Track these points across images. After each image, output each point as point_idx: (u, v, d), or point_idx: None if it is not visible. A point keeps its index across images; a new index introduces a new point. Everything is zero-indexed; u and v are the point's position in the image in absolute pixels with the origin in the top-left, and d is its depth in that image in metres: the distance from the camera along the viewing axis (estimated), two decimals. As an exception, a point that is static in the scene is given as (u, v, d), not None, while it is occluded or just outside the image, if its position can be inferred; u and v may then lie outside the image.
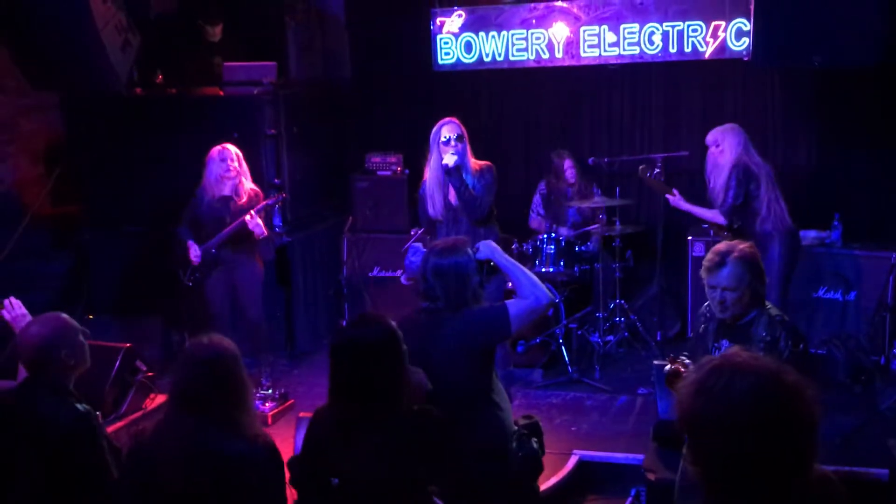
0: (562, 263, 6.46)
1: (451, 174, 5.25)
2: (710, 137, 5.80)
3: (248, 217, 5.74)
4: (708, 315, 4.03)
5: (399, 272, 7.28)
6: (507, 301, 3.72)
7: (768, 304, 3.88)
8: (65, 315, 3.54)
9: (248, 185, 5.97)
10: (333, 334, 3.41)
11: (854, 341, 6.22)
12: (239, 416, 2.95)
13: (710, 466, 2.02)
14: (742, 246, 3.81)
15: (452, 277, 3.62)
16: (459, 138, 5.31)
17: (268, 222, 5.99)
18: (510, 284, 4.18)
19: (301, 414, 5.12)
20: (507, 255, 3.90)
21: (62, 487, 3.22)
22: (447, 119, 5.43)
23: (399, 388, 3.02)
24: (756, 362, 2.03)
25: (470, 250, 3.75)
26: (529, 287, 3.69)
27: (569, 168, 7.01)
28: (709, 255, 3.87)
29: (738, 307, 3.79)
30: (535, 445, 3.66)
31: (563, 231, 6.93)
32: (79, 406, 3.31)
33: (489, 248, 3.88)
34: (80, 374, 3.52)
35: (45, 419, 3.25)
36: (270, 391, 5.85)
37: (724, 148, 5.70)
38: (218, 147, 5.90)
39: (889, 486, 4.51)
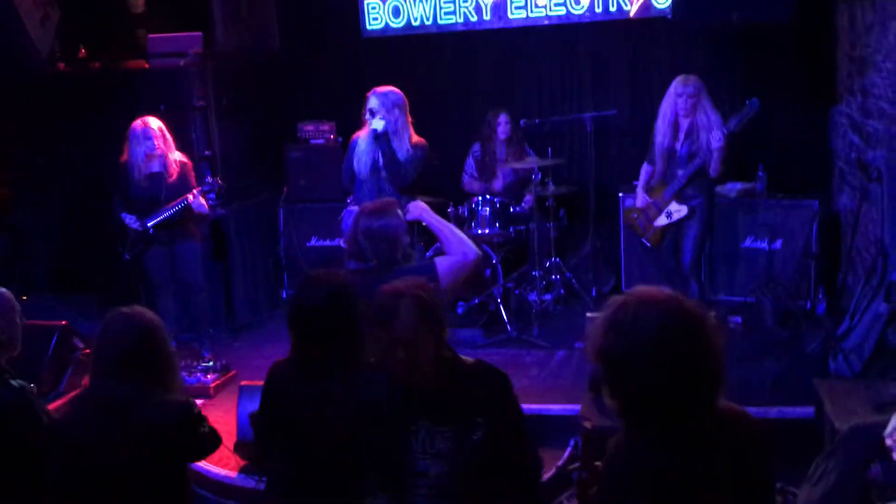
0: (497, 225, 6.55)
1: (380, 140, 5.33)
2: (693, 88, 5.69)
3: (191, 197, 5.71)
4: None
5: (338, 241, 7.29)
6: (435, 258, 3.82)
7: None
8: (7, 291, 3.48)
9: (175, 156, 5.91)
10: (293, 292, 3.46)
11: (780, 288, 6.43)
12: (160, 385, 2.97)
13: (625, 399, 2.11)
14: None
15: (382, 239, 3.69)
16: (388, 108, 5.38)
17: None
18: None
19: (243, 383, 5.17)
20: (435, 215, 4.00)
21: (1, 464, 3.19)
22: (376, 89, 5.51)
23: (357, 339, 3.09)
24: (659, 294, 2.12)
25: (400, 211, 3.82)
26: (457, 244, 3.80)
27: (502, 124, 7.07)
28: None
29: None
30: None
31: (498, 184, 7.01)
32: (13, 382, 3.28)
33: (418, 208, 4.02)
34: (12, 355, 3.47)
35: None
36: (212, 363, 5.86)
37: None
38: (139, 122, 5.80)
39: (815, 423, 4.70)
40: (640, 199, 5.92)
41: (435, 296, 2.83)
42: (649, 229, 5.85)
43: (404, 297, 2.73)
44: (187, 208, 5.76)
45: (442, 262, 3.76)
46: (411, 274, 3.68)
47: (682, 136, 5.69)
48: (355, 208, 5.60)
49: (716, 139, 5.46)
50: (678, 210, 5.70)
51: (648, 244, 5.97)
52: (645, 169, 5.97)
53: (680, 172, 5.67)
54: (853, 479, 3.87)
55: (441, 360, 2.77)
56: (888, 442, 3.16)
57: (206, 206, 5.80)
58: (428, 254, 5.97)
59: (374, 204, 3.92)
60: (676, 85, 5.64)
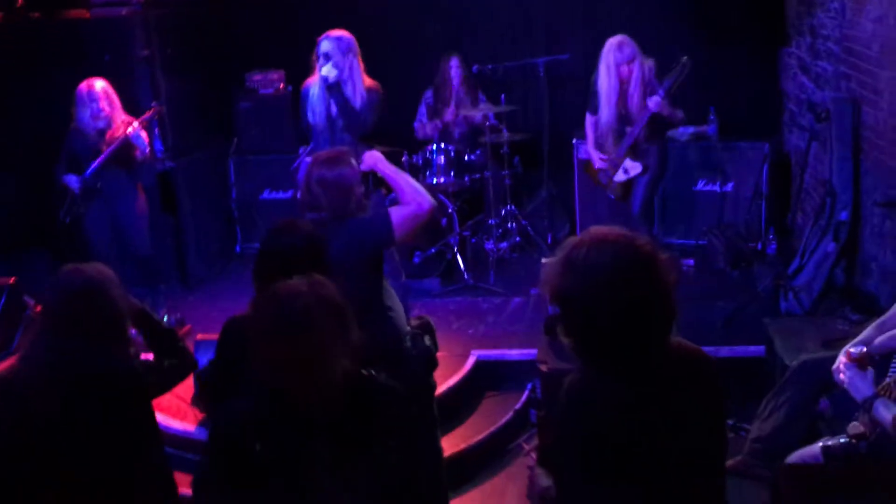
0: (452, 174, 6.52)
1: (332, 90, 5.24)
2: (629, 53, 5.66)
3: (130, 130, 5.58)
4: None
5: (290, 192, 7.22)
6: (390, 208, 3.78)
7: None
8: None
9: (121, 116, 5.78)
10: (259, 244, 3.41)
11: (732, 230, 6.52)
12: (107, 338, 2.94)
13: (581, 337, 2.13)
14: None
15: (336, 188, 3.64)
16: (343, 53, 5.27)
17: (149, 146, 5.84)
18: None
19: (199, 337, 5.13)
20: (390, 165, 3.96)
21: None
22: (328, 33, 5.37)
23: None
24: (614, 234, 2.14)
25: (354, 161, 3.78)
26: (412, 194, 3.77)
27: (454, 68, 7.00)
28: None
29: None
30: (427, 343, 3.77)
31: (449, 116, 6.98)
32: None
33: (373, 157, 3.96)
34: None
35: None
36: (166, 318, 5.79)
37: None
38: (84, 85, 5.67)
39: (767, 361, 4.81)
40: (595, 158, 5.90)
41: (341, 296, 2.44)
42: (611, 184, 5.87)
43: (313, 302, 2.33)
44: (127, 146, 5.63)
45: (396, 212, 3.73)
46: (365, 224, 3.69)
47: (626, 97, 5.68)
48: (310, 159, 5.53)
49: (653, 103, 5.49)
50: (633, 166, 5.72)
51: (613, 197, 5.99)
52: (589, 119, 5.91)
53: (628, 129, 5.67)
54: (803, 413, 3.99)
55: (350, 377, 2.40)
56: (836, 377, 3.25)
57: (147, 141, 5.66)
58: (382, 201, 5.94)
59: (328, 153, 3.86)
60: (614, 54, 5.59)
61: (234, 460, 2.35)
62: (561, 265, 2.15)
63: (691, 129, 6.78)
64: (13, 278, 5.28)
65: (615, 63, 5.59)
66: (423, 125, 7.17)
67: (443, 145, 6.61)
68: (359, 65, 5.39)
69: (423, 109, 7.23)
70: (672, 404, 2.14)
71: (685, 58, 5.54)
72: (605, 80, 5.65)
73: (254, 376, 2.36)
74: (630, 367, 2.12)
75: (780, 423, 4.01)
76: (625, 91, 5.64)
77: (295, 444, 2.30)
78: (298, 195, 5.70)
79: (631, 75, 5.59)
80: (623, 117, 5.70)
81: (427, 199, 3.78)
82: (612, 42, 5.63)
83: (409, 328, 3.79)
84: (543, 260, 5.70)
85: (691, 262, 6.51)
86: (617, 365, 2.12)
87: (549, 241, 7.00)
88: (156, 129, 5.78)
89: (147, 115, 5.77)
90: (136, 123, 5.63)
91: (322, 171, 3.68)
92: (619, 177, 5.80)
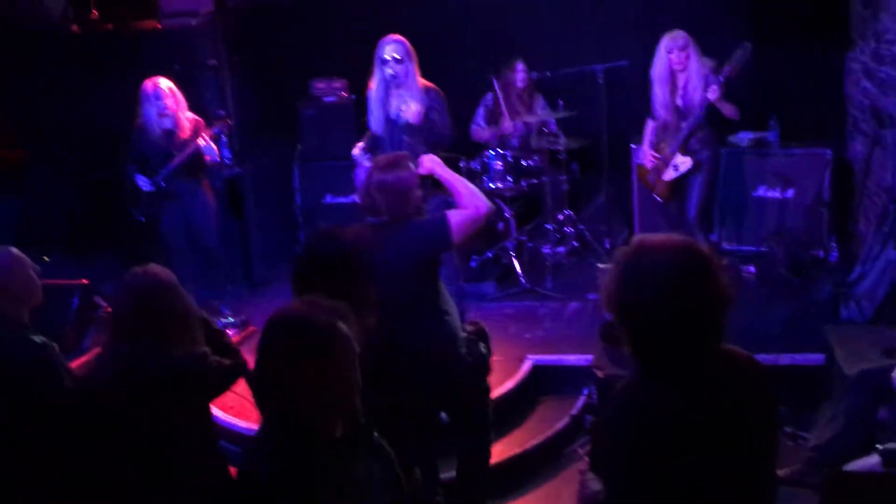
0: (509, 178, 6.56)
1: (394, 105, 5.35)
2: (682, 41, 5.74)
3: (200, 142, 5.77)
4: None
5: (352, 197, 7.35)
6: (447, 211, 3.82)
7: None
8: (13, 248, 3.56)
9: (187, 115, 5.97)
10: (297, 251, 3.48)
11: (793, 237, 6.45)
12: (173, 341, 3.04)
13: (635, 341, 2.17)
14: None
15: (395, 192, 3.70)
16: (400, 59, 5.37)
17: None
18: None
19: (261, 338, 5.26)
20: (448, 169, 4.01)
21: (23, 420, 3.27)
22: (391, 36, 5.47)
23: (364, 298, 3.14)
24: (671, 240, 2.17)
25: (412, 165, 3.84)
26: (469, 198, 3.81)
27: (520, 72, 7.04)
28: None
29: None
30: (482, 349, 3.82)
31: (507, 126, 6.98)
32: (35, 338, 3.36)
33: (431, 161, 4.01)
34: (33, 309, 3.55)
35: (1, 353, 3.29)
36: (231, 319, 5.96)
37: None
38: (150, 83, 5.86)
39: (826, 369, 4.76)
40: (648, 157, 5.93)
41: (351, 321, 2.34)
42: (659, 183, 5.88)
43: (334, 329, 2.24)
44: (198, 155, 5.82)
45: (454, 216, 3.76)
46: (423, 228, 3.75)
47: (679, 90, 5.70)
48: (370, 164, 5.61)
49: (712, 91, 5.49)
50: (683, 162, 5.72)
51: (660, 199, 6.00)
52: (649, 125, 6.00)
53: (683, 125, 5.68)
54: (861, 422, 3.96)
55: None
56: (896, 385, 3.23)
57: (216, 151, 5.85)
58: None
59: (387, 157, 3.92)
60: (666, 42, 5.70)
61: None
62: (620, 272, 2.18)
63: (751, 135, 6.72)
64: (85, 279, 5.47)
65: (666, 50, 5.67)
66: (482, 128, 7.22)
67: (500, 150, 6.65)
68: (415, 70, 5.48)
69: (481, 111, 7.26)
70: (722, 411, 2.15)
71: (747, 43, 5.51)
72: (657, 68, 5.72)
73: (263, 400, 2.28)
74: (681, 372, 2.14)
75: (838, 432, 3.99)
76: (678, 81, 5.66)
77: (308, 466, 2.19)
78: (357, 199, 5.84)
79: (685, 64, 5.60)
80: (678, 110, 5.70)
81: (484, 203, 3.82)
82: (665, 34, 5.74)
83: (464, 333, 3.85)
84: (599, 266, 5.74)
85: (752, 269, 6.45)
86: (668, 370, 2.15)
87: (606, 246, 6.99)
88: (223, 138, 5.95)
89: (216, 129, 5.93)
90: (206, 136, 5.80)
91: (381, 175, 3.74)
92: (669, 174, 5.80)
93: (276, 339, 2.26)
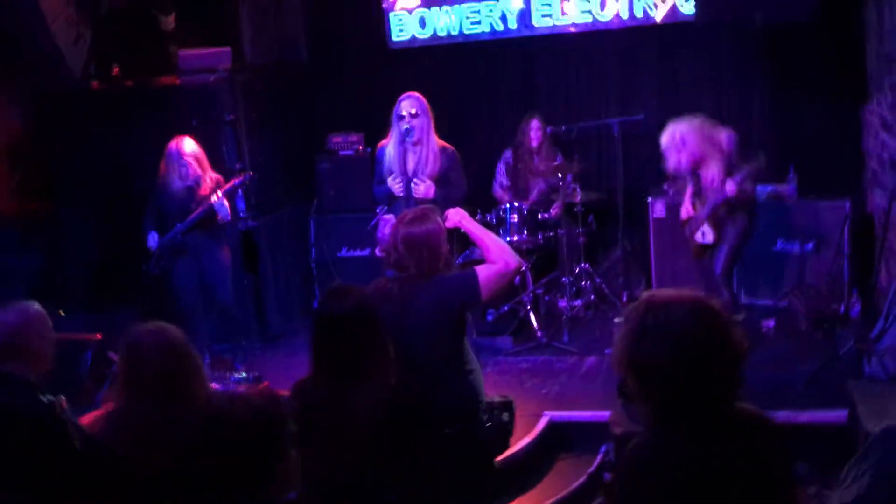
0: (525, 231, 6.55)
1: (410, 160, 5.38)
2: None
3: (214, 198, 5.79)
4: None
5: (367, 251, 7.36)
6: (476, 267, 3.75)
7: None
8: (37, 305, 3.54)
9: (210, 175, 6.02)
10: (313, 309, 3.46)
11: (814, 291, 6.37)
12: (187, 398, 3.01)
13: (654, 401, 2.13)
14: None
15: (423, 246, 3.62)
16: (416, 114, 5.40)
17: (231, 206, 6.04)
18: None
19: (275, 393, 5.22)
20: (475, 222, 3.95)
21: (31, 478, 3.22)
22: (408, 94, 5.51)
23: (378, 356, 3.10)
24: (677, 294, 2.14)
25: (439, 218, 3.77)
26: (498, 252, 3.74)
27: (534, 129, 7.06)
28: None
29: None
30: (505, 418, 3.73)
31: (532, 196, 6.97)
32: (43, 398, 3.32)
33: (458, 214, 3.94)
34: (46, 369, 3.51)
35: (9, 411, 3.26)
36: (245, 374, 5.93)
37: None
38: (174, 142, 5.93)
39: (849, 426, 4.66)
40: (685, 208, 5.90)
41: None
42: (691, 240, 5.86)
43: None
44: (211, 212, 5.84)
45: (483, 271, 3.68)
46: (452, 283, 3.67)
47: (700, 173, 5.71)
48: (390, 216, 5.59)
49: (729, 188, 5.53)
50: (708, 233, 5.72)
51: (692, 250, 5.98)
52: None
53: (710, 199, 5.66)
54: (887, 480, 3.84)
55: None
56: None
57: (228, 208, 5.87)
58: (458, 260, 6.00)
59: (414, 211, 3.82)
60: (676, 143, 5.64)
61: None
62: (626, 328, 2.15)
63: (770, 188, 6.68)
64: (99, 335, 5.47)
65: (680, 161, 5.65)
66: (502, 190, 7.22)
67: (516, 204, 6.65)
68: (431, 126, 5.51)
69: (501, 168, 7.29)
70: (734, 468, 2.12)
71: (762, 156, 5.56)
72: (675, 150, 5.66)
73: None
74: (693, 429, 2.11)
75: (863, 492, 3.87)
76: (698, 168, 5.65)
77: None
78: (377, 252, 5.82)
79: (702, 158, 5.60)
80: (699, 189, 5.71)
81: (514, 258, 3.75)
82: (674, 129, 5.64)
83: (487, 398, 3.76)
84: (616, 320, 5.67)
85: (772, 323, 6.36)
86: (680, 426, 2.12)
87: (624, 299, 6.95)
88: (239, 191, 5.99)
89: (233, 182, 5.96)
90: (220, 192, 5.82)
91: (408, 228, 3.66)
92: (698, 237, 5.77)
93: None
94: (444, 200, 5.27)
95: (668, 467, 2.12)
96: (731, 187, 5.50)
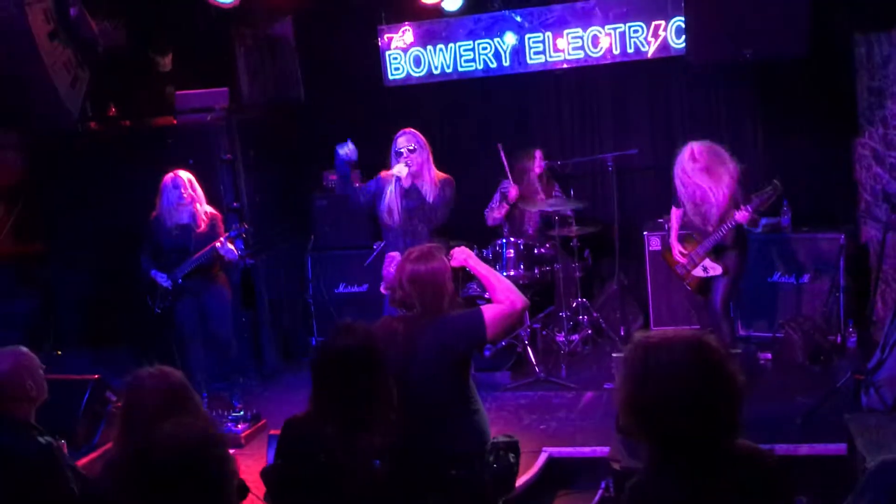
0: (522, 267, 6.57)
1: (409, 194, 5.42)
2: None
3: (218, 244, 5.82)
4: None
5: (365, 286, 7.37)
6: (482, 306, 3.73)
7: None
8: (24, 348, 3.57)
9: (205, 208, 6.05)
10: (314, 346, 3.44)
11: (810, 323, 6.38)
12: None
13: (659, 440, 2.13)
14: None
15: (429, 284, 3.61)
16: (414, 149, 5.46)
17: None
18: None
19: (272, 431, 5.18)
20: (480, 262, 3.94)
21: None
22: (404, 130, 5.59)
23: (382, 398, 3.09)
24: (675, 334, 2.16)
25: (445, 257, 3.77)
26: (504, 292, 3.71)
27: (537, 160, 7.07)
28: None
29: None
30: (511, 459, 3.69)
31: (529, 229, 6.97)
32: (40, 439, 3.32)
33: (464, 253, 3.93)
34: (41, 406, 3.53)
35: (7, 453, 3.26)
36: (242, 413, 5.90)
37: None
38: (170, 174, 5.98)
39: (848, 459, 4.64)
40: (675, 251, 5.86)
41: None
42: (688, 277, 5.84)
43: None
44: (216, 255, 5.87)
45: (489, 311, 3.65)
46: (458, 322, 3.64)
47: (701, 202, 5.61)
48: (396, 255, 5.60)
49: (741, 216, 5.46)
50: (713, 267, 5.68)
51: (690, 289, 5.97)
52: (674, 214, 5.90)
53: (711, 233, 5.62)
54: (886, 515, 3.83)
55: None
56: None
57: (235, 252, 5.91)
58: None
59: (420, 249, 3.80)
60: (688, 161, 5.53)
61: None
62: (637, 377, 2.16)
63: (764, 221, 6.71)
64: (97, 375, 5.46)
65: (688, 172, 5.54)
66: (492, 209, 7.24)
67: (512, 239, 6.68)
68: (430, 160, 5.58)
69: (497, 197, 7.29)
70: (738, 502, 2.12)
71: (777, 182, 5.52)
72: (685, 180, 5.57)
73: None
74: (692, 467, 2.12)
75: (863, 526, 3.86)
76: (707, 196, 5.56)
77: None
78: (382, 289, 5.82)
79: (713, 182, 5.52)
80: (705, 219, 5.64)
81: (520, 298, 3.72)
82: (693, 146, 5.56)
83: (493, 439, 3.73)
84: (614, 355, 5.67)
85: (768, 356, 6.37)
86: (680, 465, 2.12)
87: (621, 333, 6.95)
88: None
89: (233, 232, 5.97)
90: (223, 239, 5.85)
91: (414, 266, 3.64)
92: (699, 272, 5.76)
93: None
94: (426, 221, 5.48)
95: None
96: (743, 215, 5.44)
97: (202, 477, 2.23)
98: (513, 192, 6.92)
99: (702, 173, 5.52)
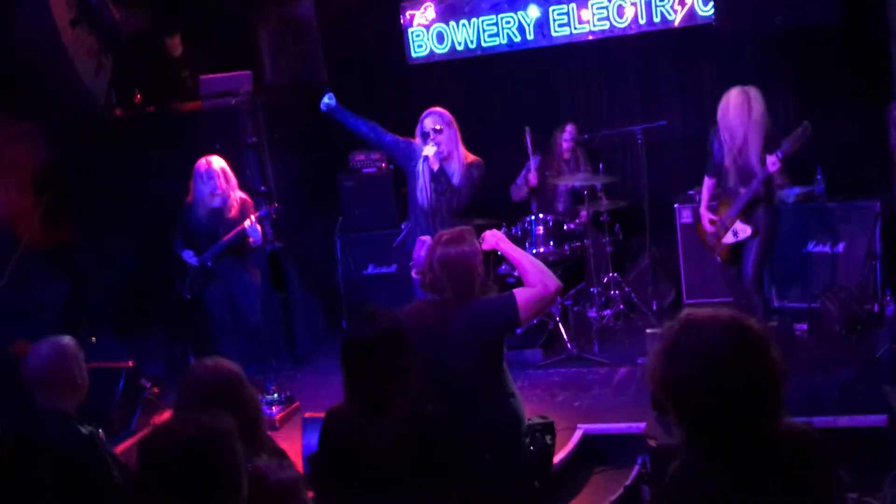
0: (552, 243, 6.51)
1: (438, 177, 5.36)
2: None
3: (247, 223, 5.84)
4: None
5: (394, 267, 7.35)
6: (514, 290, 3.68)
7: None
8: (69, 338, 3.58)
9: (237, 195, 6.07)
10: (342, 332, 3.41)
11: (846, 292, 6.27)
12: (250, 434, 2.97)
13: (690, 423, 2.09)
14: None
15: (460, 268, 3.58)
16: (440, 129, 5.39)
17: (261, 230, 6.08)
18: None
19: (307, 415, 5.21)
20: (512, 245, 3.88)
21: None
22: (430, 110, 5.51)
23: (404, 384, 3.07)
24: (717, 313, 2.10)
25: (476, 240, 3.72)
26: (537, 275, 3.65)
27: (567, 139, 7.01)
28: None
29: None
30: (548, 441, 3.66)
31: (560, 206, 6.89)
32: (82, 429, 3.34)
33: (495, 237, 3.87)
34: (82, 398, 3.54)
35: (49, 444, 3.28)
36: (276, 395, 5.93)
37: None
38: (203, 162, 6.00)
39: (888, 431, 4.58)
40: (705, 220, 5.79)
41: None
42: (718, 246, 5.75)
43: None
44: (243, 236, 5.88)
45: (521, 294, 3.61)
46: (489, 306, 3.61)
47: (739, 152, 5.54)
48: (426, 238, 5.57)
49: (772, 163, 5.34)
50: (743, 229, 5.58)
51: (720, 259, 5.87)
52: (706, 183, 5.80)
53: (742, 191, 5.53)
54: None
55: None
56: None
57: (261, 233, 5.92)
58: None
59: (451, 232, 3.75)
60: (735, 99, 5.45)
61: None
62: (662, 347, 2.12)
63: (797, 190, 6.62)
64: (131, 361, 5.50)
65: (733, 108, 5.46)
66: (519, 187, 7.19)
67: (541, 215, 6.61)
68: (458, 140, 5.50)
69: (523, 174, 7.24)
70: (777, 490, 2.07)
71: (807, 122, 5.38)
72: (727, 126, 5.49)
73: None
74: (736, 452, 2.07)
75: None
76: (743, 143, 5.47)
77: None
78: (413, 274, 5.79)
79: (748, 126, 5.43)
80: (740, 171, 5.54)
81: (553, 281, 3.66)
82: (735, 90, 5.49)
83: (528, 421, 3.71)
84: (648, 330, 5.62)
85: (804, 326, 6.27)
86: (726, 451, 2.07)
87: (653, 308, 6.88)
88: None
89: (262, 212, 5.99)
90: (253, 217, 5.87)
91: (445, 249, 3.61)
92: (728, 238, 5.66)
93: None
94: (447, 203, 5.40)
95: (704, 494, 2.08)
96: (773, 162, 5.31)
97: (197, 473, 2.20)
98: (532, 178, 6.86)
99: (744, 115, 5.41)
